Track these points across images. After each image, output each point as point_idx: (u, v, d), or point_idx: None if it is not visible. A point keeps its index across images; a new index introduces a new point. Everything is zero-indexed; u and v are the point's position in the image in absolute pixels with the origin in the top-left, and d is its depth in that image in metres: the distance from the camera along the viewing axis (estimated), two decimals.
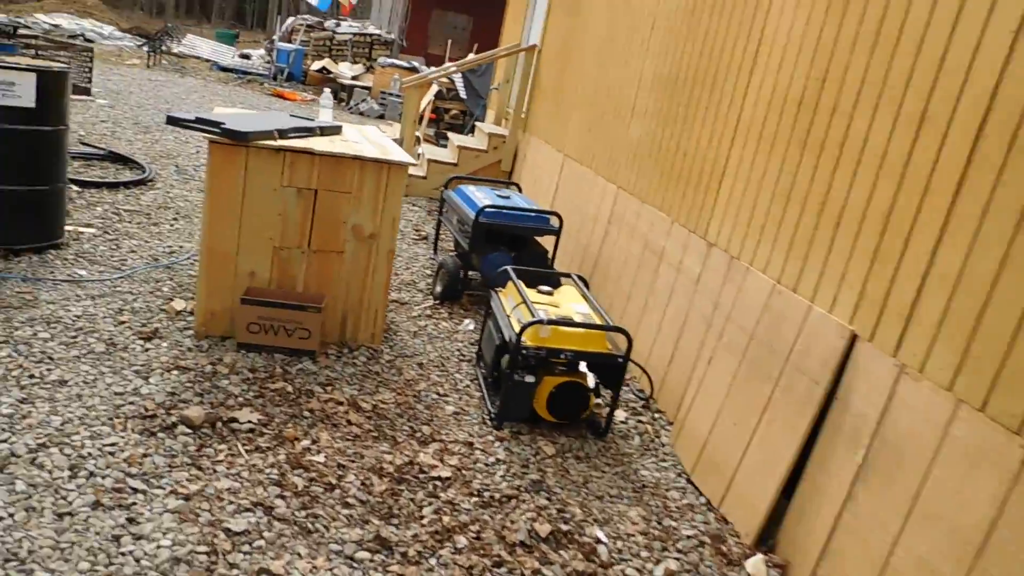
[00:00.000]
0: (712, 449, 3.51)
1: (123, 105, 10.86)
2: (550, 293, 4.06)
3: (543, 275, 4.53)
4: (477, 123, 9.90)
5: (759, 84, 3.84)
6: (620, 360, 3.68)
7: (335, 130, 4.65)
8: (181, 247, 5.54)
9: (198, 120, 3.92)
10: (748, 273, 3.63)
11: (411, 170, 8.68)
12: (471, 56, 14.00)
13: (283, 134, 4.10)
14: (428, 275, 5.93)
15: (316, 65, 17.11)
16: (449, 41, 15.51)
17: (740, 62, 4.06)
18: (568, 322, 3.63)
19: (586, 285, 4.29)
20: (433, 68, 15.46)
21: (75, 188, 6.37)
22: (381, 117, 14.62)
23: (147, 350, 3.90)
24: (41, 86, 4.58)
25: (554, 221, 5.32)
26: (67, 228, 5.31)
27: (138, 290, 4.64)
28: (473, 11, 19.90)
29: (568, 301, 3.99)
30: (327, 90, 4.83)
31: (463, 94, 12.89)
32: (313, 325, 4.03)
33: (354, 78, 16.36)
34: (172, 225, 6.02)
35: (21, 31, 10.43)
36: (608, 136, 5.83)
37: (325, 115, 4.82)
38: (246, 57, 21.85)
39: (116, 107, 10.62)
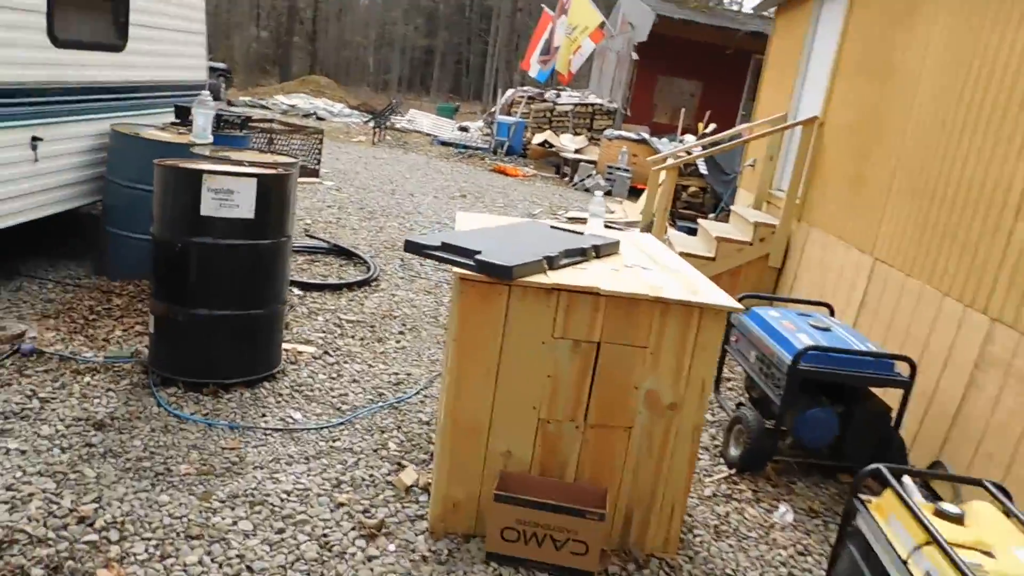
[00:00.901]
0: None
1: (348, 187, 10.60)
2: (959, 519, 2.59)
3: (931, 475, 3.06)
4: (732, 208, 8.51)
5: None
6: None
7: (612, 248, 3.50)
8: (408, 375, 4.61)
9: (445, 247, 2.91)
10: None
11: None
12: (711, 128, 12.71)
13: (553, 263, 3.00)
14: (708, 419, 4.60)
15: (538, 138, 16.56)
16: (682, 110, 14.35)
17: None
18: None
19: (1008, 497, 2.76)
20: (666, 139, 14.33)
21: (296, 292, 5.72)
22: (608, 193, 13.62)
23: (369, 559, 2.86)
24: (262, 193, 3.83)
25: (902, 368, 3.82)
26: (284, 347, 4.55)
27: (360, 445, 3.69)
28: (702, 76, 18.68)
29: (997, 537, 2.49)
30: (599, 194, 3.73)
31: (703, 169, 11.60)
32: (591, 537, 2.82)
33: (577, 151, 15.58)
34: (398, 341, 5.15)
35: (255, 118, 10.50)
36: (967, 242, 4.26)
37: (595, 225, 3.70)
38: (464, 130, 21.98)
39: (342, 189, 10.35)
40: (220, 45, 39.24)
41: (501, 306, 2.82)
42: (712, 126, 12.68)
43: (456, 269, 2.80)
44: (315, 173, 10.82)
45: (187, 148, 4.95)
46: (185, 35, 6.53)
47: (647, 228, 8.21)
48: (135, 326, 4.73)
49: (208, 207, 3.74)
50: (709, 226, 8.08)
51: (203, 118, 5.32)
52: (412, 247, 2.96)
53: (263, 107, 22.71)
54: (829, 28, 7.66)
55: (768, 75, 9.63)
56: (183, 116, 5.99)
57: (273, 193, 3.94)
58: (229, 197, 3.73)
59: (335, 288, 5.97)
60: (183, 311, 3.89)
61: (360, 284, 6.14)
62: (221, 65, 24.76)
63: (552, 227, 3.66)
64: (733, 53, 18.21)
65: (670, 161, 8.55)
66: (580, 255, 3.22)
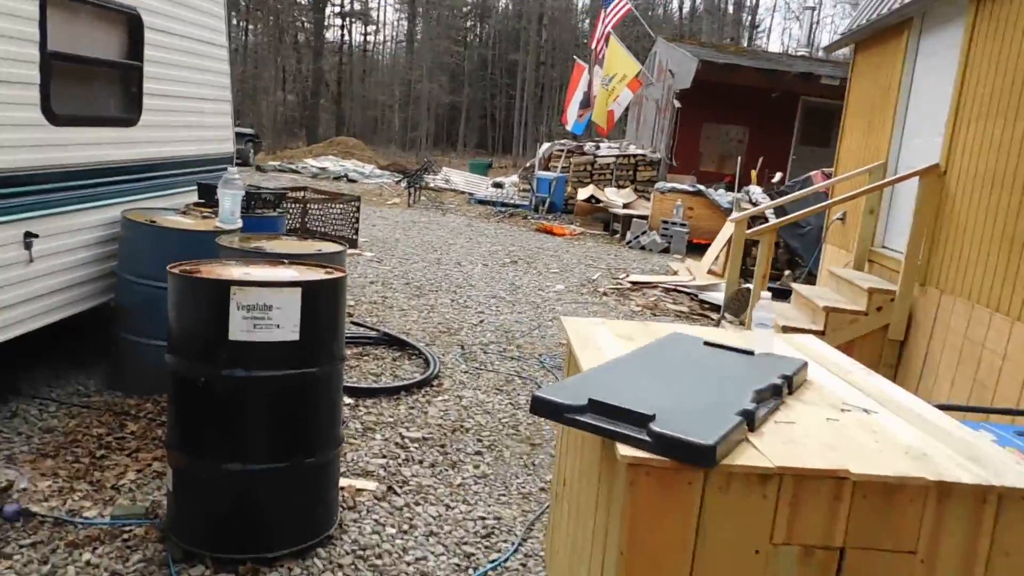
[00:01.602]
0: None
1: (390, 258, 9.72)
2: None
3: None
4: (831, 269, 7.46)
5: None
6: None
7: (802, 374, 2.49)
8: (498, 520, 3.59)
9: (595, 408, 1.92)
10: None
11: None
12: (778, 177, 11.72)
13: (752, 420, 1.99)
14: None
15: (582, 193, 15.66)
16: (739, 159, 13.42)
17: None
18: None
19: None
20: (722, 189, 13.29)
21: (347, 400, 4.76)
22: (666, 251, 12.65)
23: None
24: (308, 305, 2.89)
25: None
26: (339, 485, 3.56)
27: None
28: (748, 122, 17.77)
29: None
30: (766, 296, 2.72)
31: (774, 221, 10.58)
32: None
33: (626, 206, 14.66)
34: (476, 466, 4.14)
35: (289, 187, 9.73)
36: None
37: (765, 340, 2.69)
38: (499, 186, 21.23)
39: (383, 261, 9.48)
40: (247, 110, 39.32)
41: (693, 502, 1.82)
42: (779, 175, 11.72)
43: (623, 449, 1.81)
44: (354, 243, 9.98)
45: (212, 236, 4.07)
46: (209, 103, 5.71)
47: (738, 300, 7.20)
48: (153, 463, 3.79)
49: (239, 329, 2.80)
50: (807, 292, 7.03)
51: (230, 200, 4.46)
52: (544, 408, 1.97)
53: (293, 171, 22.21)
54: (937, 63, 6.71)
55: (851, 120, 8.67)
56: (208, 196, 5.14)
57: (323, 303, 3.01)
58: (266, 315, 2.79)
59: (392, 392, 5.00)
60: (209, 466, 2.93)
61: (420, 384, 5.17)
62: (249, 131, 24.42)
63: (706, 344, 2.66)
64: (780, 96, 17.34)
65: (744, 217, 7.57)
66: (775, 395, 2.21)
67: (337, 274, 3.12)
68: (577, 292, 8.85)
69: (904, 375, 6.22)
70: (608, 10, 19.27)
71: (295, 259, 3.45)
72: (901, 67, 7.23)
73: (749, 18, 49.05)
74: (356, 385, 4.99)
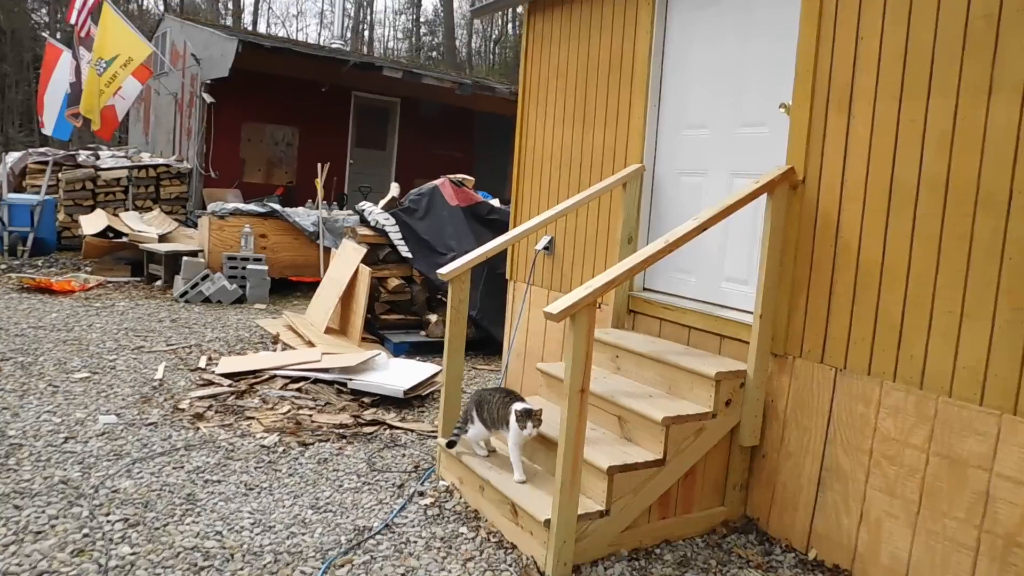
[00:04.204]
0: None
1: None
2: None
3: None
4: (599, 336, 4.75)
5: None
6: None
7: None
8: None
9: None
10: None
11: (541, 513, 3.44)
12: (396, 191, 8.73)
13: None
14: None
15: (91, 224, 10.60)
16: (327, 165, 10.07)
17: None
18: None
19: None
20: (301, 208, 9.76)
21: None
22: (241, 300, 8.85)
23: None
24: None
25: None
26: None
27: None
28: (298, 121, 14.53)
29: None
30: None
31: (405, 251, 7.67)
32: None
33: (164, 239, 10.28)
34: None
35: None
36: None
37: None
38: None
39: None
40: None
41: None
42: (395, 187, 8.78)
43: None
44: None
45: None
46: None
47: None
48: None
49: None
50: (555, 372, 4.24)
51: None
52: None
53: None
54: (726, 22, 4.46)
55: (535, 108, 6.10)
56: None
57: None
58: None
59: None
60: None
61: None
62: None
63: None
64: (330, 91, 14.61)
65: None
66: None
67: None
68: (142, 422, 4.82)
69: (773, 502, 3.86)
70: None
71: None
72: (650, 28, 4.86)
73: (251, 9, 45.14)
74: None
